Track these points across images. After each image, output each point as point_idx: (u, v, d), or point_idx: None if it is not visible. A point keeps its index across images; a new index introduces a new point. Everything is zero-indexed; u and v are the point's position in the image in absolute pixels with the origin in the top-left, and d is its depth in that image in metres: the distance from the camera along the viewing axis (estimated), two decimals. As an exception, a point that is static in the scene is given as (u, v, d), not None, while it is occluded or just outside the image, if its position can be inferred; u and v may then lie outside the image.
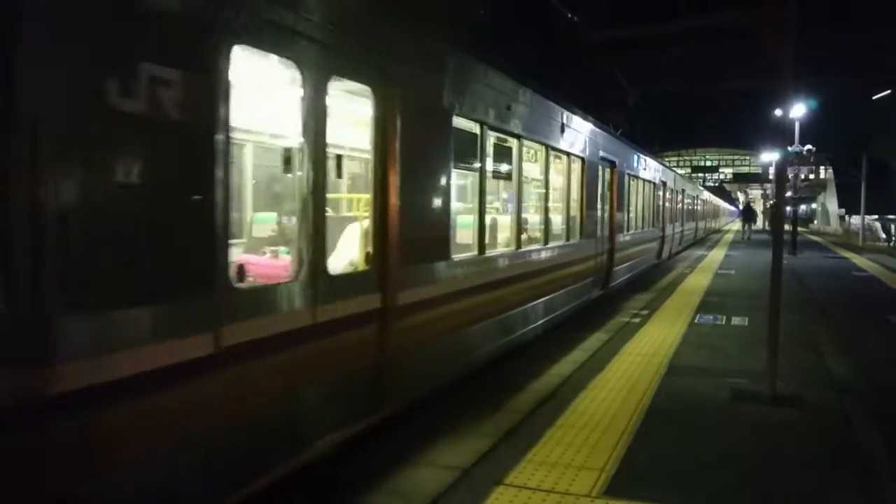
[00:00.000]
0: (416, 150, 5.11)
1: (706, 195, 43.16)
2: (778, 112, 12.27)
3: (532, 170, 9.25)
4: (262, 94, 4.79)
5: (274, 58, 3.82)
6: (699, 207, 34.40)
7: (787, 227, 20.93)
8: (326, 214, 4.19)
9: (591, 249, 10.70)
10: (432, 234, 5.56)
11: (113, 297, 2.79)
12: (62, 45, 2.57)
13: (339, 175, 5.32)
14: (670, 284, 14.90)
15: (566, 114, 9.37)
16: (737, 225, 55.07)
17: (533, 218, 8.97)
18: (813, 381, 6.82)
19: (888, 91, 28.77)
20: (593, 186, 10.90)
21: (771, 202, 52.67)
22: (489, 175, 7.26)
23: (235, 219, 6.29)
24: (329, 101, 4.16)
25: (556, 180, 9.74)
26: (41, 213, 2.49)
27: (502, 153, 7.69)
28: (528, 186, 9.70)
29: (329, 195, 4.36)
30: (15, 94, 2.44)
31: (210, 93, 3.24)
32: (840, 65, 24.57)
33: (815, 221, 69.85)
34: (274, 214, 6.30)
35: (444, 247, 5.76)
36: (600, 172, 11.50)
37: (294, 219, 4.04)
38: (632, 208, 14.77)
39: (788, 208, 25.83)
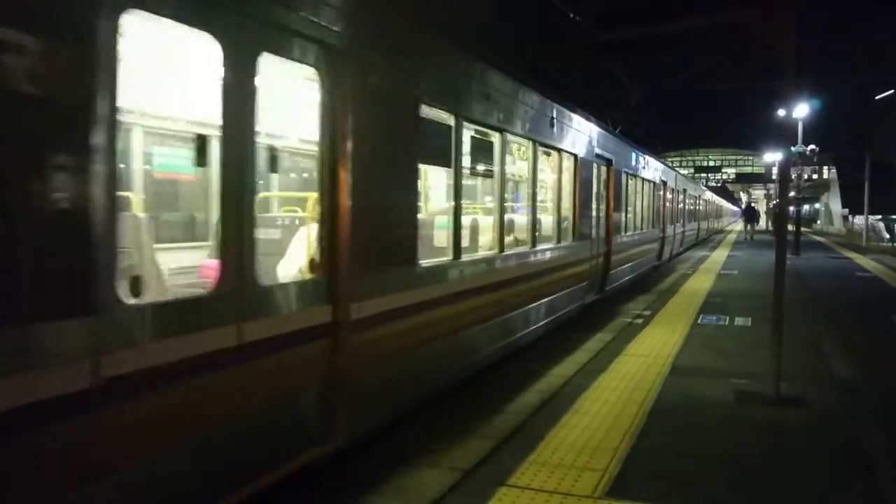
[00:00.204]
0: (373, 142, 4.53)
1: (708, 195, 42.93)
2: (781, 112, 12.24)
3: (518, 167, 8.85)
4: (167, 72, 4.20)
5: (182, 28, 3.19)
6: (701, 207, 34.13)
7: (790, 227, 20.86)
8: (255, 215, 3.60)
9: (585, 252, 10.17)
10: (394, 237, 4.95)
11: None
12: None
13: (273, 169, 4.79)
14: (673, 285, 14.88)
15: (556, 108, 8.81)
16: (739, 225, 55.05)
17: (519, 219, 8.38)
18: (816, 381, 6.81)
19: (891, 91, 28.73)
20: (587, 185, 10.30)
21: (774, 202, 52.62)
22: (466, 172, 6.68)
23: (186, 219, 5.79)
24: (259, 82, 3.53)
25: (546, 179, 9.30)
26: None
27: (482, 148, 6.96)
28: (514, 185, 9.28)
29: (265, 193, 4.25)
30: None
31: (90, 66, 2.66)
32: (841, 65, 24.54)
33: (819, 222, 69.73)
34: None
35: (410, 252, 5.15)
36: (595, 171, 10.93)
37: (211, 219, 3.73)
38: (630, 208, 14.23)
39: (791, 208, 25.76)
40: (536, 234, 8.06)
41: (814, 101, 26.73)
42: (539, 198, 8.48)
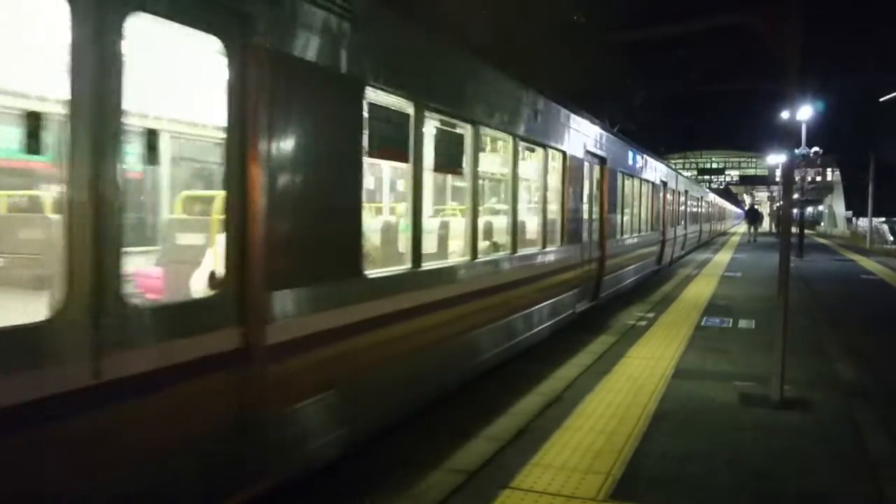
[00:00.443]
0: (299, 129, 3.83)
1: (711, 197, 42.73)
2: (784, 114, 12.22)
3: (495, 164, 8.32)
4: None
5: None
6: (703, 210, 33.86)
7: (793, 229, 20.79)
8: (119, 217, 2.85)
9: (575, 257, 9.44)
10: (329, 244, 4.18)
11: None
12: None
13: (154, 160, 4.08)
14: (675, 288, 14.85)
15: (540, 100, 8.07)
16: (743, 228, 54.98)
17: (498, 222, 7.62)
18: (821, 384, 6.79)
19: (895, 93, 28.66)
20: (577, 185, 9.56)
21: (777, 204, 52.55)
22: (429, 169, 5.87)
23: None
24: (126, 49, 2.84)
25: (529, 177, 8.71)
26: None
27: (451, 142, 6.13)
28: (490, 184, 8.80)
29: (151, 189, 3.90)
30: None
31: None
32: (845, 67, 24.50)
33: (822, 224, 69.58)
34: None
35: (351, 261, 4.40)
36: (587, 170, 10.22)
37: (53, 219, 3.11)
38: (627, 210, 13.54)
39: (795, 211, 25.73)
40: (517, 238, 7.32)
41: (817, 102, 26.71)
42: (521, 198, 7.87)
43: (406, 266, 5.17)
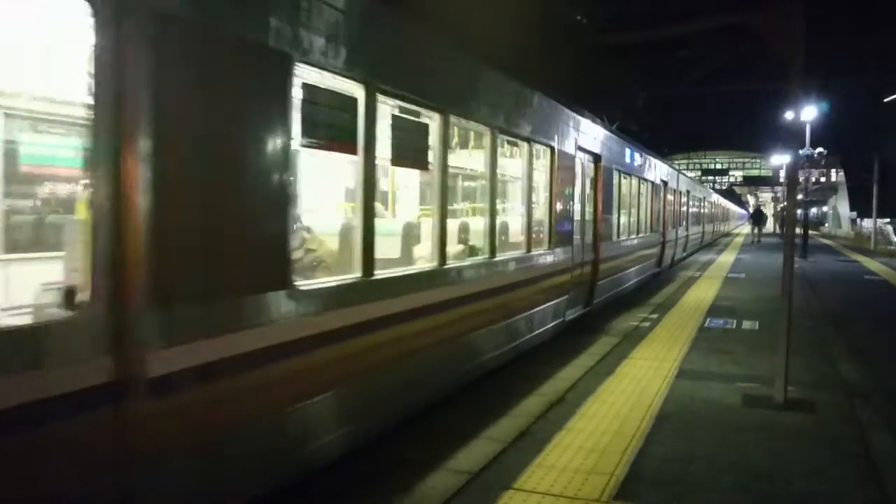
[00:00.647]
0: (196, 112, 3.17)
1: (714, 197, 42.52)
2: (789, 115, 12.19)
3: (469, 159, 7.57)
4: None
5: None
6: (706, 210, 33.53)
7: (797, 230, 20.77)
8: None
9: (565, 260, 8.77)
10: (241, 251, 3.44)
11: None
12: None
13: None
14: (678, 289, 14.81)
15: (526, 91, 7.47)
16: (746, 228, 54.89)
17: (474, 223, 6.97)
18: (825, 385, 6.77)
19: (900, 93, 28.63)
20: (568, 183, 8.94)
21: (782, 205, 52.49)
22: (385, 161, 5.20)
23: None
24: None
25: (510, 174, 8.03)
26: None
27: (414, 132, 5.35)
28: (464, 181, 8.25)
29: None
30: None
31: None
32: (849, 67, 24.43)
33: (827, 224, 69.46)
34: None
35: (276, 270, 3.66)
36: (580, 167, 9.58)
37: None
38: (623, 210, 12.88)
39: (799, 211, 25.68)
40: (496, 241, 6.64)
41: (822, 103, 26.67)
42: (501, 198, 7.31)
43: (354, 275, 4.45)
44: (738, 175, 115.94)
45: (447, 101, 5.61)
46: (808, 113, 25.34)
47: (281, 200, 3.71)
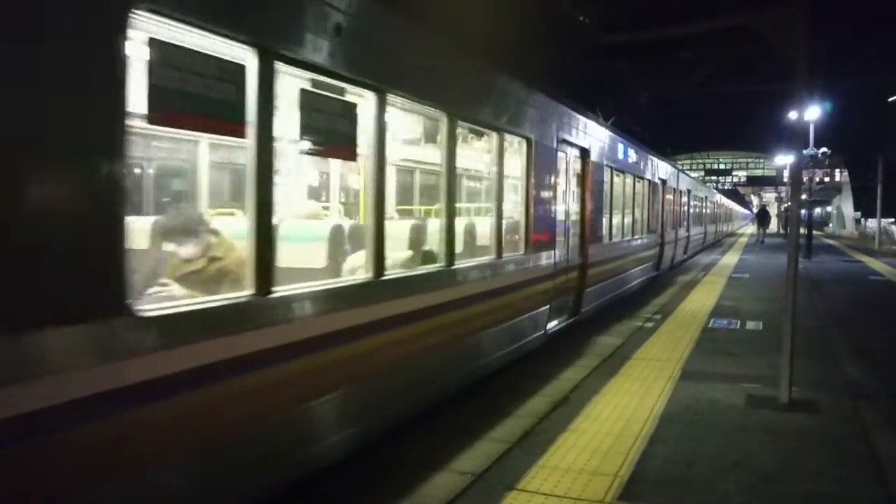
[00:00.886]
0: None
1: (717, 197, 42.25)
2: (793, 115, 12.16)
3: (418, 149, 6.85)
4: None
5: None
6: (709, 210, 33.09)
7: (801, 230, 20.67)
8: None
9: (546, 266, 7.87)
10: (36, 262, 2.45)
11: None
12: None
13: None
14: (682, 289, 14.80)
15: (494, 73, 6.59)
16: (750, 229, 54.90)
17: (426, 226, 6.11)
18: (829, 386, 6.75)
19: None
20: (549, 180, 8.03)
21: (785, 205, 52.44)
22: (288, 149, 4.53)
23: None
24: None
25: (476, 169, 7.34)
26: None
27: (332, 114, 4.23)
28: (410, 177, 7.46)
29: None
30: None
31: None
32: (853, 67, 24.40)
33: (831, 224, 69.31)
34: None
35: (100, 287, 2.68)
36: (564, 162, 8.74)
37: None
38: (617, 210, 11.97)
39: (803, 211, 25.63)
40: (454, 246, 5.71)
41: (825, 103, 26.62)
42: (462, 196, 6.63)
43: (240, 293, 3.46)
44: (741, 175, 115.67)
45: (384, 76, 4.59)
46: (812, 113, 25.28)
47: (115, 197, 2.73)
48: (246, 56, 3.44)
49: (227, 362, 3.27)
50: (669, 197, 18.61)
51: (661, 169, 17.23)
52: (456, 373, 5.92)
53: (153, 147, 5.51)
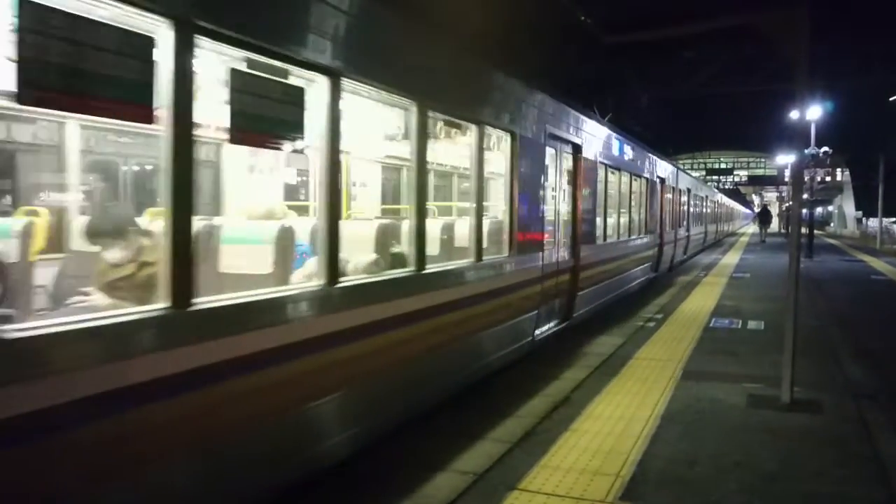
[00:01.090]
0: None
1: (718, 196, 42.15)
2: (794, 114, 12.15)
3: (382, 142, 6.43)
4: None
5: None
6: (710, 210, 32.89)
7: (803, 229, 20.63)
8: None
9: (532, 269, 7.39)
10: None
11: None
12: None
13: None
14: (683, 289, 14.79)
15: (470, 59, 6.14)
16: (752, 228, 54.91)
17: (396, 227, 5.45)
18: (830, 386, 6.75)
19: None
20: (536, 177, 7.57)
21: (787, 205, 52.44)
22: (204, 137, 4.08)
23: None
24: None
25: (453, 164, 6.90)
26: None
27: (275, 99, 3.72)
28: (374, 172, 6.95)
29: None
30: None
31: None
32: (854, 67, 24.39)
33: (832, 224, 69.28)
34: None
35: None
36: (553, 158, 8.30)
37: None
38: (612, 209, 11.62)
39: (804, 211, 25.62)
40: (426, 249, 5.20)
41: (827, 103, 26.58)
42: (438, 194, 6.26)
43: (153, 306, 2.98)
44: (742, 175, 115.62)
45: (337, 58, 4.06)
46: (813, 112, 25.27)
47: None
48: (157, 26, 2.92)
49: (127, 390, 2.75)
50: (668, 196, 18.22)
51: (659, 167, 16.86)
52: (425, 390, 5.34)
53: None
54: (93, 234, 3.86)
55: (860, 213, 54.72)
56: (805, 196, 25.92)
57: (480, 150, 6.15)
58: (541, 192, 7.78)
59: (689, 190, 23.11)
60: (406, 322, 4.85)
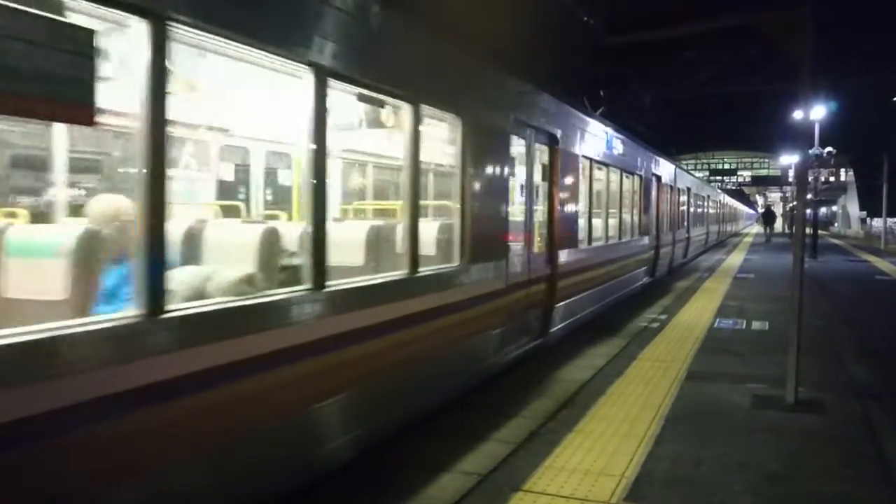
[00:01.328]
0: None
1: (721, 196, 41.86)
2: (797, 114, 12.13)
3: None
4: None
5: None
6: (711, 210, 32.35)
7: (807, 230, 20.58)
8: None
9: (493, 280, 6.28)
10: None
11: None
12: None
13: None
14: (686, 289, 14.76)
15: (399, 21, 4.84)
16: (755, 228, 54.84)
17: (291, 231, 4.33)
18: (835, 386, 6.74)
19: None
20: (497, 171, 6.39)
21: (791, 205, 52.37)
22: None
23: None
24: None
25: (371, 152, 6.00)
26: None
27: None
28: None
29: None
30: None
31: None
32: (858, 67, 24.36)
33: (836, 224, 69.16)
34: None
35: None
36: (520, 149, 7.27)
37: None
38: (598, 209, 10.47)
39: (808, 211, 25.56)
40: (333, 258, 4.04)
41: (831, 102, 26.53)
42: (349, 189, 5.35)
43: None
44: (746, 175, 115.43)
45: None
46: (817, 112, 25.24)
47: None
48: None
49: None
50: (666, 196, 17.25)
51: (655, 165, 15.73)
52: (329, 443, 4.20)
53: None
54: None
55: (864, 213, 54.66)
56: (809, 196, 25.91)
57: (415, 137, 4.97)
58: (504, 190, 6.66)
59: (689, 189, 22.45)
60: (284, 361, 3.58)
